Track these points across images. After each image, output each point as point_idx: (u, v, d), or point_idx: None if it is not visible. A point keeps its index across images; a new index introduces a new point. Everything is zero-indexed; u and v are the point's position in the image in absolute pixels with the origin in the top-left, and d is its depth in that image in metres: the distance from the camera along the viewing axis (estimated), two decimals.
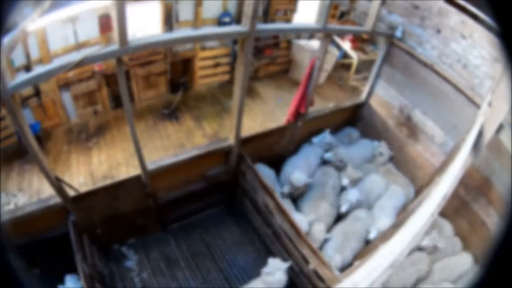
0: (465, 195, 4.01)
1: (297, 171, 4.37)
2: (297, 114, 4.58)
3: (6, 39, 2.37)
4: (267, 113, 6.84)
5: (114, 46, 2.59)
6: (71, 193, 3.34)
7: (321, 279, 3.36)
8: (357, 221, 4.23)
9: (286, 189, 4.35)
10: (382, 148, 5.08)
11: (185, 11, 6.41)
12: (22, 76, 2.48)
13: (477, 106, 3.64)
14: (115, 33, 2.52)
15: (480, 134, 2.67)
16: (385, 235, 3.44)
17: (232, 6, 6.97)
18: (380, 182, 4.68)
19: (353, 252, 3.94)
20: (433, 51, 4.31)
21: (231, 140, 4.13)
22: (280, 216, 3.84)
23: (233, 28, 3.64)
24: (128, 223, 4.08)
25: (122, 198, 3.78)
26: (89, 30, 5.58)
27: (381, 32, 4.73)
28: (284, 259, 3.85)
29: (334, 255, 3.78)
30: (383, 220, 4.16)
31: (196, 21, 6.58)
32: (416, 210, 2.01)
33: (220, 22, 6.86)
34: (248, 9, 2.98)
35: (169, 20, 6.23)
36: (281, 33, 7.51)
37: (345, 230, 4.12)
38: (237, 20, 6.95)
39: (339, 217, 4.39)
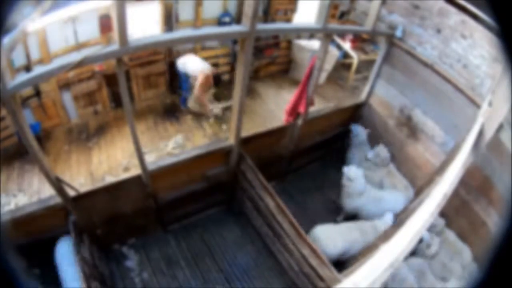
0: (465, 195, 4.01)
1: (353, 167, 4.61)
2: (296, 114, 4.58)
3: (6, 39, 2.37)
4: (267, 113, 6.82)
5: (114, 46, 2.59)
6: (71, 193, 3.34)
7: (321, 279, 3.36)
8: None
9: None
10: (380, 151, 5.08)
11: (185, 11, 6.40)
12: (22, 76, 2.48)
13: (478, 106, 3.64)
14: (115, 33, 2.52)
15: (480, 134, 2.67)
16: (386, 235, 3.44)
17: (232, 6, 6.96)
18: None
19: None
20: (433, 51, 4.31)
21: (231, 140, 4.13)
22: (280, 216, 3.84)
23: (233, 28, 3.65)
24: (128, 223, 4.08)
25: (122, 198, 3.78)
26: (89, 31, 5.57)
27: (381, 32, 4.73)
28: (285, 259, 3.85)
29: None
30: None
31: (196, 21, 6.58)
32: (417, 210, 2.01)
33: (220, 22, 6.85)
34: (248, 9, 2.98)
35: (169, 20, 6.22)
36: (281, 33, 7.51)
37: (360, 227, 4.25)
38: (237, 20, 6.94)
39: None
